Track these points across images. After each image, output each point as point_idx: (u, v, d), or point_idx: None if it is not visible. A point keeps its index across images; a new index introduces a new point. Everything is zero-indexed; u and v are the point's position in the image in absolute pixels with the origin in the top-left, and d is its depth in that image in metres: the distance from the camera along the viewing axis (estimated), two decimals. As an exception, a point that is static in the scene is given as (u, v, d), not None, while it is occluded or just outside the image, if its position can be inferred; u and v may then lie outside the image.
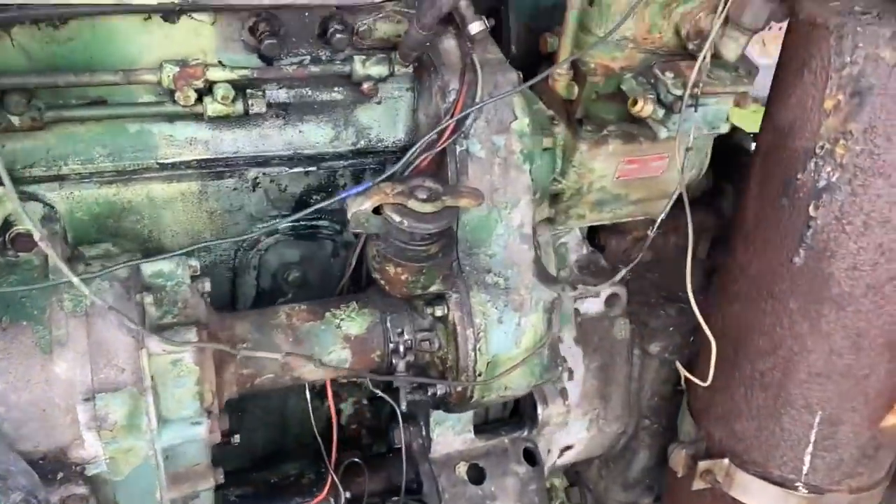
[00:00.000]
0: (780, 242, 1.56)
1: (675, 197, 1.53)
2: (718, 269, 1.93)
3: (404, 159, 1.31)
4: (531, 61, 1.68)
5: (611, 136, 1.60)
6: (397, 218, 1.23)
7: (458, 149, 1.36)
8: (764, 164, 1.61)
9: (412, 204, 1.24)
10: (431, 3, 1.27)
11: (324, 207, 1.34)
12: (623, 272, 1.76)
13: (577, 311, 1.98)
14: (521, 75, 1.46)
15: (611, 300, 2.04)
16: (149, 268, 1.27)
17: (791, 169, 1.51)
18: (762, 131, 1.65)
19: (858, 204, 1.44)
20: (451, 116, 1.33)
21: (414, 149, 1.31)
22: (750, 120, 1.93)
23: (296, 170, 1.44)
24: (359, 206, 1.24)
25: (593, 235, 2.07)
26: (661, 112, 1.43)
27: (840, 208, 1.46)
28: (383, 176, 1.28)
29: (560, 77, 1.50)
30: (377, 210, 1.26)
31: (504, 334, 1.39)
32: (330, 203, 1.28)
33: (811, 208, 1.49)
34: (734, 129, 2.01)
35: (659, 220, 1.59)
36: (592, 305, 2.01)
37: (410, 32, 1.31)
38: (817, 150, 1.45)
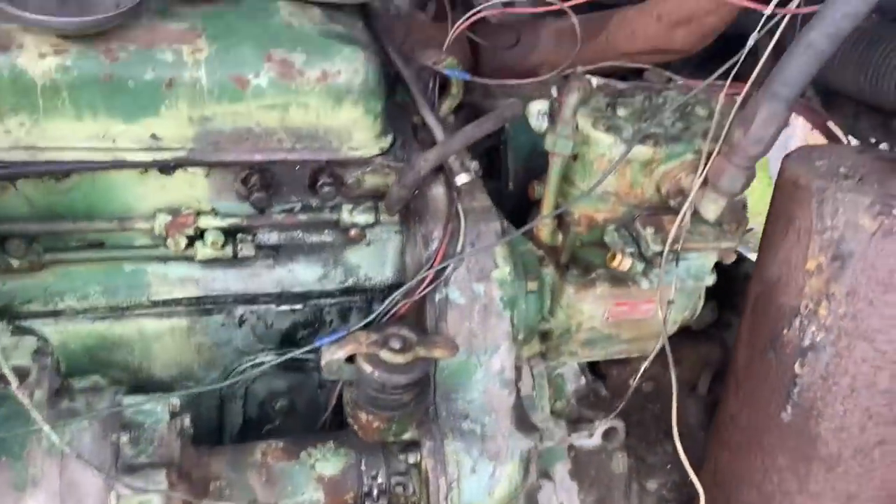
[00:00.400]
0: (768, 395, 1.54)
1: (658, 347, 1.52)
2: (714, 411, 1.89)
3: (381, 308, 1.35)
4: (528, 200, 1.73)
5: (598, 280, 1.61)
6: (369, 368, 1.26)
7: (438, 296, 1.40)
8: (753, 314, 1.61)
9: (384, 355, 1.27)
10: (412, 167, 1.33)
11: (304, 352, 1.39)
12: (616, 411, 1.75)
13: (572, 445, 1.95)
14: (505, 224, 1.50)
15: (609, 434, 2.00)
16: (132, 402, 1.32)
17: (778, 324, 1.51)
18: (753, 280, 1.65)
19: (843, 366, 1.42)
20: (431, 266, 1.37)
21: (391, 298, 1.35)
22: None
23: (283, 308, 1.49)
24: (332, 356, 1.27)
25: (594, 363, 2.07)
26: (640, 266, 1.45)
27: (825, 368, 1.44)
28: (359, 324, 1.32)
29: (544, 226, 1.54)
30: (351, 359, 1.29)
31: (477, 484, 1.38)
32: (305, 351, 1.31)
33: (797, 366, 1.47)
34: (741, 258, 2.01)
35: (646, 364, 1.58)
36: (590, 438, 1.99)
37: (393, 190, 1.36)
38: (802, 310, 1.45)
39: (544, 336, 1.71)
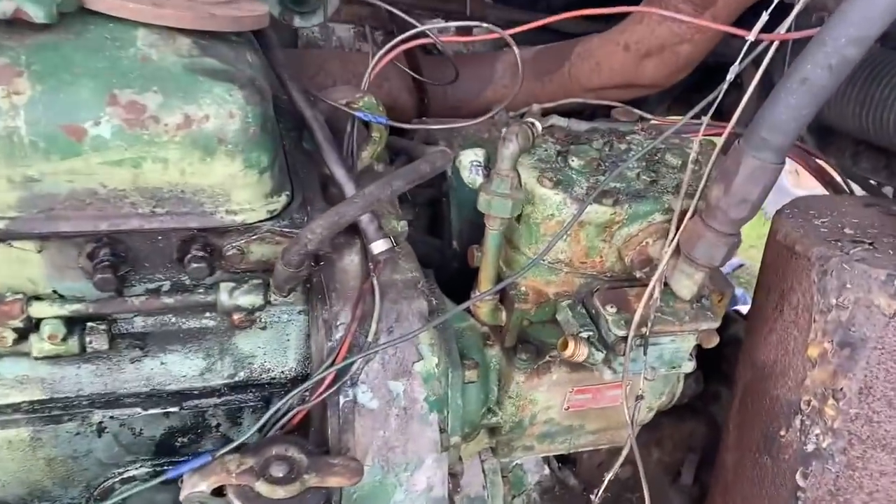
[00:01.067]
0: (763, 509, 1.24)
1: (626, 452, 1.23)
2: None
3: (263, 420, 1.05)
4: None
5: (553, 364, 1.32)
6: (240, 506, 0.96)
7: (343, 399, 1.10)
8: (742, 408, 1.31)
9: (261, 487, 0.97)
10: (296, 240, 1.04)
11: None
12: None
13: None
14: (436, 301, 1.21)
15: (579, 536, 1.70)
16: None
17: (773, 421, 1.22)
18: (742, 362, 1.36)
19: (857, 480, 1.12)
20: (332, 363, 1.07)
21: (279, 405, 1.06)
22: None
23: (152, 412, 1.18)
24: (192, 488, 0.98)
25: (562, 445, 1.77)
26: (599, 355, 1.15)
27: (834, 482, 1.14)
28: (228, 447, 1.02)
29: (483, 303, 1.25)
30: (219, 491, 0.99)
31: None
32: (159, 480, 1.01)
33: (798, 476, 1.17)
34: (728, 318, 1.72)
35: (617, 466, 1.28)
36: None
37: (278, 268, 1.07)
38: (803, 406, 1.16)
39: (492, 431, 1.41)
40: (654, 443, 1.84)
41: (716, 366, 1.74)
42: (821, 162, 1.66)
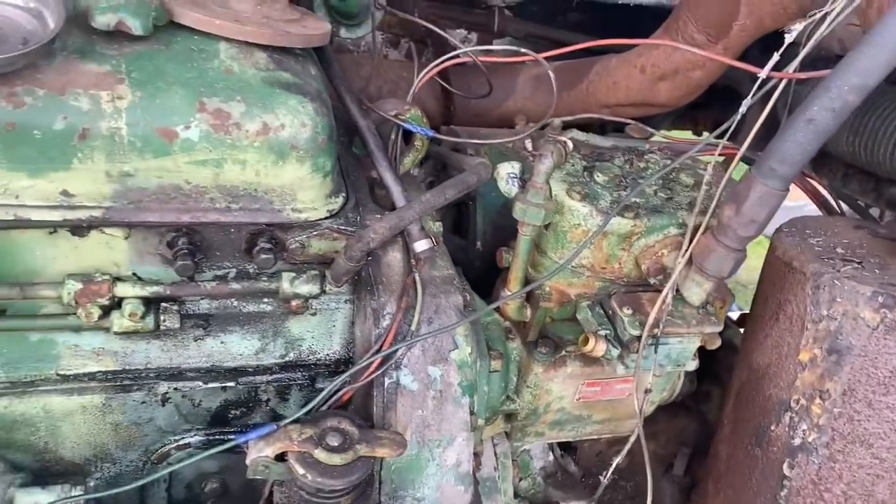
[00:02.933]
0: (752, 496, 1.39)
1: (633, 439, 1.37)
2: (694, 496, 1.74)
3: (319, 398, 1.18)
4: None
5: (569, 358, 1.46)
6: (301, 470, 1.09)
7: (387, 381, 1.23)
8: (737, 404, 1.46)
9: (319, 454, 1.10)
10: (360, 238, 1.17)
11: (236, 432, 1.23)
12: (597, 494, 1.59)
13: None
14: (468, 297, 1.34)
15: (577, 518, 1.85)
16: (25, 498, 1.14)
17: (765, 417, 1.36)
18: (738, 364, 1.50)
19: (837, 471, 1.27)
20: (380, 349, 1.20)
21: (332, 385, 1.19)
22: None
23: (212, 385, 1.31)
24: (258, 453, 1.11)
25: (563, 434, 1.91)
26: (615, 352, 1.30)
27: (817, 472, 1.29)
28: (291, 418, 1.15)
29: (511, 300, 1.39)
30: (281, 456, 1.12)
31: None
32: (227, 447, 1.14)
33: (785, 466, 1.32)
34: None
35: (619, 459, 1.43)
36: (558, 524, 1.83)
37: (339, 262, 1.20)
38: (792, 404, 1.31)
39: (508, 417, 1.55)
40: (650, 436, 1.98)
41: (708, 367, 1.88)
42: (814, 183, 1.81)
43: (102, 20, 1.10)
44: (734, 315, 2.03)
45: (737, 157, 1.29)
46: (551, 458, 1.89)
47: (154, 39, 1.16)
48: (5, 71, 1.03)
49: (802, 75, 1.23)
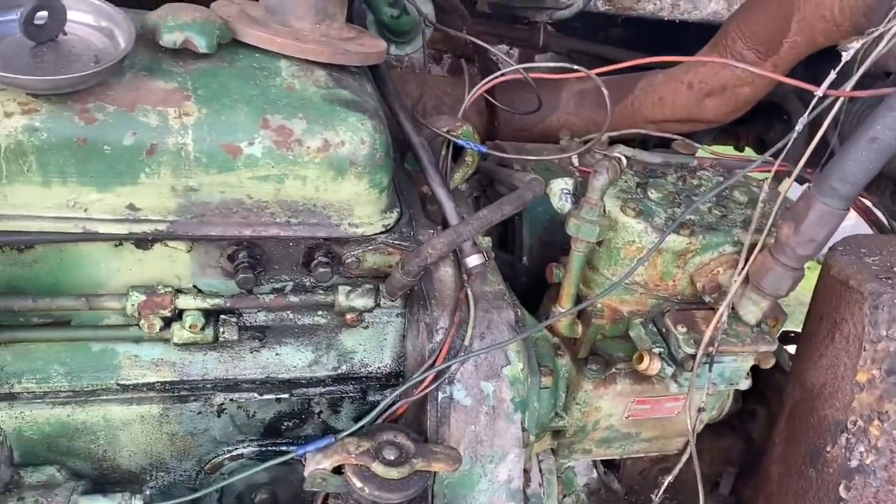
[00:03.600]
0: (806, 518, 1.37)
1: (685, 458, 1.36)
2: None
3: (375, 411, 1.19)
4: (544, 276, 1.57)
5: (619, 375, 1.46)
6: (358, 483, 1.10)
7: (441, 395, 1.24)
8: (791, 424, 1.44)
9: (377, 468, 1.11)
10: (417, 253, 1.19)
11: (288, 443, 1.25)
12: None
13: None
14: (520, 312, 1.34)
15: (621, 535, 1.83)
16: (86, 504, 1.17)
17: (820, 438, 1.35)
18: (792, 383, 1.49)
19: (896, 494, 1.25)
20: (433, 364, 1.21)
21: (387, 400, 1.20)
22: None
23: (266, 397, 1.33)
24: (316, 465, 1.12)
25: (607, 451, 1.90)
26: (669, 370, 1.29)
27: (875, 495, 1.27)
28: (348, 430, 1.16)
29: (563, 317, 1.39)
30: (337, 469, 1.13)
31: None
32: (286, 459, 1.15)
33: (842, 488, 1.30)
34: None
35: (670, 478, 1.42)
36: (601, 541, 1.82)
37: (395, 276, 1.22)
38: (849, 426, 1.29)
39: (555, 433, 1.55)
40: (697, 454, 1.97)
41: (753, 386, 1.86)
42: (866, 201, 1.79)
43: (169, 38, 1.14)
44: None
45: (793, 175, 1.29)
46: (595, 474, 1.88)
47: (218, 57, 1.18)
48: (78, 88, 1.07)
49: (861, 94, 1.22)
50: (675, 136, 1.75)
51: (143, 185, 1.11)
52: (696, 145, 1.72)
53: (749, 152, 2.60)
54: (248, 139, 1.13)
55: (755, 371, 1.72)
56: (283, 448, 1.37)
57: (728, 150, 2.66)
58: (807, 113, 1.23)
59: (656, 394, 1.49)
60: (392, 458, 1.13)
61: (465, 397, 1.26)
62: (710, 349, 1.27)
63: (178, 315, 1.22)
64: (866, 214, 1.80)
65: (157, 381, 1.29)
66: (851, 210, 1.81)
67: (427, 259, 1.19)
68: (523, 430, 1.30)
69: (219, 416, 1.33)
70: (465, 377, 1.26)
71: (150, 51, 1.15)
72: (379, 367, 1.40)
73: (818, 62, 1.63)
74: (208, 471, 1.39)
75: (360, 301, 1.27)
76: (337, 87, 1.22)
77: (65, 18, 1.09)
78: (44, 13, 1.06)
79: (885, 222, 1.80)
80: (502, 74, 1.49)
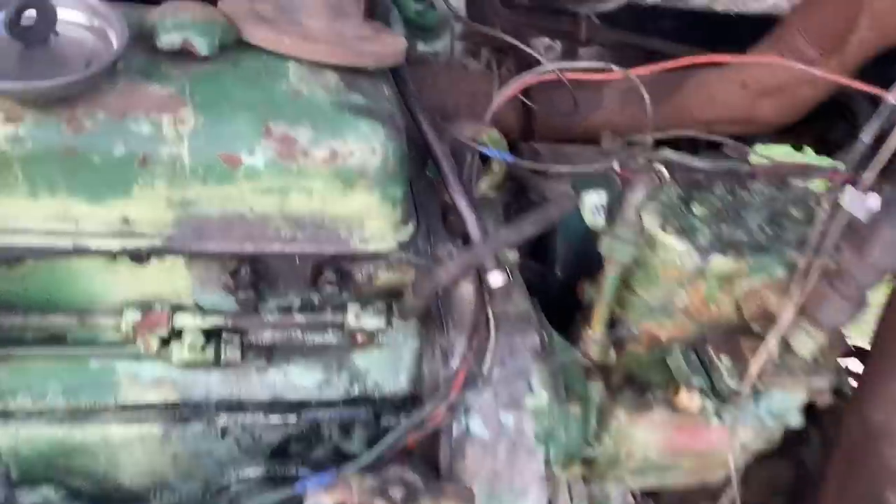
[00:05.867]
0: (864, 573, 1.24)
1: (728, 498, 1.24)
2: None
3: (381, 445, 1.10)
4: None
5: (656, 404, 1.33)
6: (360, 525, 1.02)
7: (456, 428, 1.14)
8: (849, 462, 1.30)
9: (381, 508, 1.02)
10: (430, 276, 1.09)
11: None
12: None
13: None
14: (546, 335, 1.24)
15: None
16: (81, 532, 1.11)
17: (881, 483, 1.21)
18: (851, 419, 1.35)
19: (970, 555, 1.11)
20: (447, 398, 1.11)
21: (395, 434, 1.11)
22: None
23: (272, 419, 1.25)
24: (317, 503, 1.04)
25: (645, 475, 1.77)
26: (711, 405, 1.17)
27: (944, 555, 1.13)
28: (351, 464, 1.07)
29: (594, 342, 1.27)
30: (341, 507, 1.05)
31: None
32: (286, 496, 1.07)
33: (905, 544, 1.16)
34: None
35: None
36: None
37: (408, 299, 1.12)
38: (916, 474, 1.15)
39: (586, 462, 1.43)
40: (741, 482, 1.83)
41: (808, 408, 1.72)
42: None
43: (167, 40, 1.06)
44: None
45: (858, 189, 1.14)
46: (630, 500, 1.76)
47: (220, 59, 1.10)
48: (69, 94, 0.99)
49: (940, 99, 1.08)
50: (725, 140, 1.61)
51: (137, 197, 1.03)
52: (748, 148, 1.57)
53: (808, 152, 2.42)
54: (249, 149, 1.04)
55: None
56: (291, 473, 1.29)
57: (785, 150, 2.48)
58: (874, 122, 1.09)
59: (696, 424, 1.36)
60: (398, 497, 1.04)
61: (482, 430, 1.16)
62: (758, 383, 1.14)
63: (178, 334, 1.15)
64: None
65: (159, 402, 1.22)
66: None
67: (440, 283, 1.09)
68: (546, 464, 1.20)
69: (222, 438, 1.26)
70: (483, 407, 1.16)
71: (146, 53, 1.07)
72: (393, 390, 1.30)
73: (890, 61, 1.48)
74: (215, 492, 1.32)
75: (372, 321, 1.18)
76: (348, 92, 1.12)
77: (55, 18, 1.01)
78: (31, 12, 0.99)
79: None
80: (532, 76, 1.37)
